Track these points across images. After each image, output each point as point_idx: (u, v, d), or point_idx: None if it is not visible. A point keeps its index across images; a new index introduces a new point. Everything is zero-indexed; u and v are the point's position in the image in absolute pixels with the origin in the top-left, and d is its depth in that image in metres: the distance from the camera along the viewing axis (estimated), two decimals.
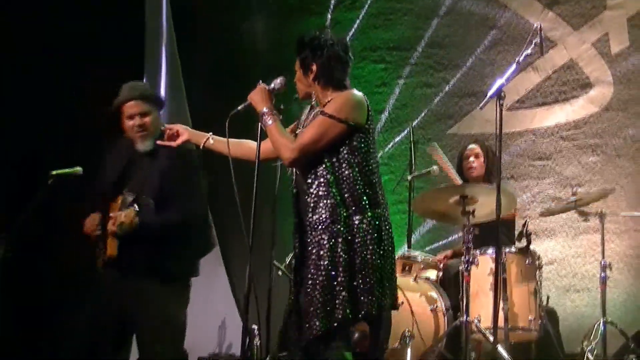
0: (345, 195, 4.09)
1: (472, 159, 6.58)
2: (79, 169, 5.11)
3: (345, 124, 4.10)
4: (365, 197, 4.11)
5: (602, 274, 6.30)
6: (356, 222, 4.07)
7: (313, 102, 4.32)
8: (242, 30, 8.43)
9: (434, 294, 6.08)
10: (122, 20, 7.85)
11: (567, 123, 7.61)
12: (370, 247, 4.06)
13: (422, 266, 6.27)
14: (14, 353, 6.67)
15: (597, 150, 7.49)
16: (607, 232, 6.56)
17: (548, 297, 6.11)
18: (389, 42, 8.21)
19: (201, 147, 4.56)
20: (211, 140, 4.53)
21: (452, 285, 6.16)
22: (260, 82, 4.29)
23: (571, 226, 7.38)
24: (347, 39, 7.88)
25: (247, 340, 4.48)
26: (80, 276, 7.12)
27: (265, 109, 4.19)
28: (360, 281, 4.03)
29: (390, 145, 8.09)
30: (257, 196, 4.15)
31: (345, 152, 4.13)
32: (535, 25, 5.11)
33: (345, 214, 4.07)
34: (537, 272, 6.00)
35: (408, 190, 6.98)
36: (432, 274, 6.30)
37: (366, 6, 8.30)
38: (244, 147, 4.52)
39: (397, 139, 8.05)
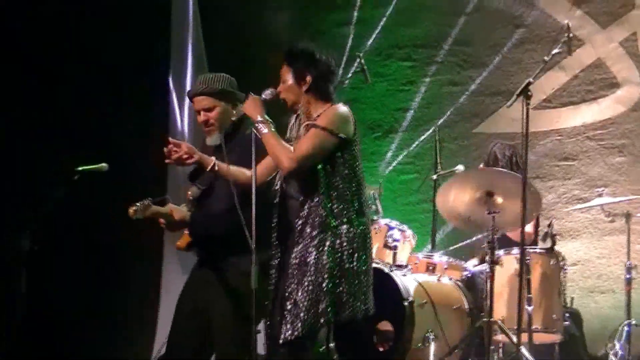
0: (335, 205, 4.26)
1: (499, 156, 6.53)
2: (104, 165, 5.13)
3: (337, 137, 4.26)
4: (352, 207, 4.28)
5: (627, 275, 6.27)
6: (344, 231, 4.25)
7: (299, 112, 4.44)
8: (266, 22, 8.43)
9: (457, 294, 6.08)
10: (150, 12, 7.89)
11: (593, 123, 7.54)
12: (356, 255, 4.24)
13: (446, 266, 6.25)
14: (37, 346, 6.71)
15: (623, 151, 7.42)
16: (633, 233, 6.51)
17: (572, 299, 6.08)
18: (415, 40, 8.17)
19: (208, 169, 4.57)
20: (216, 167, 4.54)
21: (476, 286, 6.14)
22: (251, 93, 4.43)
23: (596, 227, 7.33)
24: (373, 36, 8.15)
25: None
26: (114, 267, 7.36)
27: (259, 118, 4.32)
28: (345, 287, 4.19)
29: (415, 144, 8.07)
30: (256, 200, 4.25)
31: (336, 163, 4.29)
32: (562, 24, 5.10)
33: (334, 224, 4.24)
34: (562, 273, 5.97)
35: (433, 189, 6.94)
36: (456, 274, 6.27)
37: (393, 3, 8.24)
38: (241, 176, 4.54)
39: (423, 137, 8.01)
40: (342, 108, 4.35)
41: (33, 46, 7.42)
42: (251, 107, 4.38)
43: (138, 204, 4.70)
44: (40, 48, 7.43)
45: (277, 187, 4.47)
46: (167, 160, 4.54)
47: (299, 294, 4.18)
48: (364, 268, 4.27)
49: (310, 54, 4.41)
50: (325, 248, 4.21)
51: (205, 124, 4.84)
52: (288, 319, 4.18)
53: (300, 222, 4.28)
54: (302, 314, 4.16)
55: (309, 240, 4.23)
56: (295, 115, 4.48)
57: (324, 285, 4.17)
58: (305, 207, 4.27)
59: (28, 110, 7.36)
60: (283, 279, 4.36)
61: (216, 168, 4.52)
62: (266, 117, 4.36)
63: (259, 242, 4.25)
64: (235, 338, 4.59)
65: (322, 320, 4.17)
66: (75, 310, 7.15)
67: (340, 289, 4.19)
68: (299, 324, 4.15)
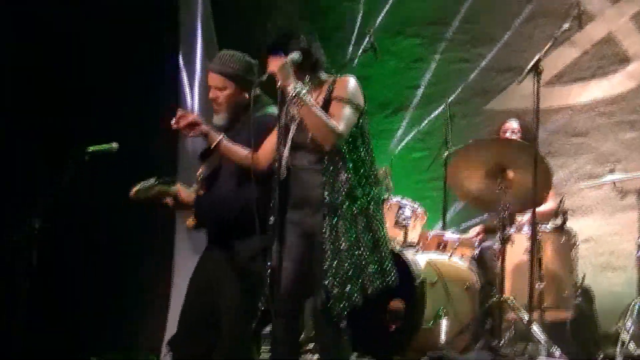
0: (360, 174, 4.29)
1: (509, 133, 6.57)
2: (115, 145, 5.07)
3: (357, 107, 4.29)
4: (372, 176, 4.35)
5: (639, 253, 6.24)
6: (369, 199, 4.29)
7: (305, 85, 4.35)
8: (277, 6, 8.39)
9: (468, 272, 6.10)
10: None
11: (604, 99, 7.48)
12: (381, 222, 4.35)
13: (456, 244, 6.24)
14: (48, 325, 6.74)
15: (635, 126, 7.36)
16: None
17: (584, 276, 6.05)
18: (424, 17, 8.14)
19: (212, 146, 4.55)
20: (223, 142, 4.52)
21: (487, 263, 6.15)
22: (282, 55, 4.27)
23: (608, 204, 7.28)
24: (383, 13, 8.11)
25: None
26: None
27: (295, 87, 4.20)
28: (382, 255, 4.27)
29: (425, 122, 8.06)
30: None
31: (355, 134, 4.32)
32: None
33: (360, 193, 4.26)
34: (573, 250, 6.00)
35: (444, 167, 6.94)
36: (467, 251, 6.28)
37: None
38: (246, 158, 4.48)
39: (433, 115, 8.00)
40: (354, 79, 4.37)
41: (44, 21, 7.41)
42: (282, 71, 4.22)
43: (140, 184, 4.70)
44: (52, 25, 7.42)
45: (279, 162, 4.37)
46: (174, 125, 4.51)
47: (343, 266, 4.17)
48: (387, 236, 4.36)
49: (299, 33, 4.39)
50: (358, 218, 4.24)
51: (214, 101, 4.83)
52: (340, 293, 4.15)
53: (328, 193, 4.24)
54: (351, 286, 4.16)
55: (341, 211, 4.22)
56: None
57: (364, 253, 4.21)
58: (330, 177, 4.25)
59: (37, 92, 7.35)
60: (300, 250, 4.35)
61: (221, 144, 4.50)
62: (300, 83, 4.25)
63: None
64: (241, 321, 4.59)
65: (370, 290, 4.21)
66: (86, 293, 7.18)
67: (379, 255, 4.26)
68: (353, 297, 4.16)
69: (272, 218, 4.26)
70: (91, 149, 5.04)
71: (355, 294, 4.16)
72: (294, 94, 4.19)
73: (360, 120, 4.34)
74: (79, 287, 7.17)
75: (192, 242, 7.11)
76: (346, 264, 4.17)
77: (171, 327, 6.96)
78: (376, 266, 4.22)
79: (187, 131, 4.53)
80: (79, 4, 7.47)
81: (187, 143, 7.66)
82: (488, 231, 6.44)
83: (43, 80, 7.37)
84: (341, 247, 4.19)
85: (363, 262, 4.19)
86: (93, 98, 7.50)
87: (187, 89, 8.21)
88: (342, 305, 4.15)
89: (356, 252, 4.19)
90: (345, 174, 4.25)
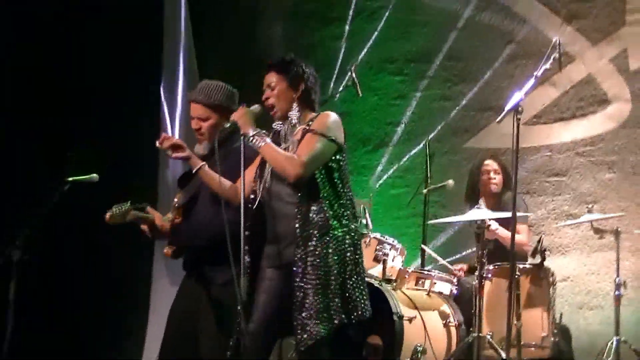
0: (335, 208, 4.32)
1: (492, 174, 6.65)
2: (95, 175, 5.10)
3: (334, 142, 4.33)
4: (348, 212, 4.36)
5: (617, 292, 6.28)
6: (345, 232, 4.30)
7: (279, 125, 4.49)
8: (258, 34, 8.44)
9: (447, 308, 6.09)
10: (142, 20, 7.90)
11: (583, 139, 7.54)
12: (357, 256, 4.32)
13: (435, 280, 6.25)
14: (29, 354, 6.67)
15: (613, 167, 7.42)
16: (622, 250, 6.51)
17: (561, 314, 6.08)
18: (406, 54, 8.17)
19: (194, 171, 4.57)
20: (205, 168, 4.53)
21: (465, 300, 6.14)
22: (243, 104, 4.44)
23: (586, 243, 7.33)
24: (365, 50, 8.16)
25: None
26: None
27: (252, 131, 4.33)
28: (351, 288, 4.26)
29: (405, 158, 8.06)
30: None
31: (332, 168, 4.35)
32: (554, 40, 5.12)
33: (336, 225, 4.29)
34: (551, 289, 6.02)
35: (423, 203, 6.96)
36: (446, 288, 6.28)
37: (384, 17, 8.25)
38: (226, 187, 4.51)
39: (413, 151, 8.01)
40: (335, 115, 4.43)
41: (27, 53, 7.41)
42: (242, 119, 4.36)
43: (115, 208, 4.67)
44: (35, 54, 7.43)
45: (253, 195, 4.45)
46: (158, 145, 4.52)
47: (309, 298, 4.19)
48: (361, 271, 4.35)
49: (301, 64, 4.50)
50: (330, 251, 4.24)
51: (196, 131, 4.83)
52: (302, 325, 4.18)
53: (299, 225, 4.27)
54: (315, 319, 4.17)
55: (313, 243, 4.25)
56: (287, 123, 4.48)
57: (333, 287, 4.21)
58: (303, 210, 4.28)
59: (22, 118, 7.34)
60: (274, 284, 4.39)
61: (203, 170, 4.50)
62: (258, 129, 4.37)
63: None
64: (219, 351, 4.52)
65: (336, 322, 4.20)
66: (66, 314, 7.13)
67: (350, 289, 4.25)
68: (315, 330, 4.16)
69: (245, 249, 4.24)
70: (71, 179, 5.05)
71: (320, 329, 4.16)
72: (251, 139, 4.30)
73: (338, 156, 4.37)
74: (60, 306, 7.14)
75: (170, 269, 7.08)
76: (312, 297, 4.18)
77: (150, 347, 6.97)
78: (344, 300, 4.22)
79: (170, 152, 4.54)
80: (65, 33, 7.50)
81: (167, 173, 7.66)
82: (472, 270, 6.45)
83: (25, 107, 7.37)
84: (309, 281, 4.21)
85: (330, 295, 4.19)
86: (73, 123, 7.49)
87: (167, 120, 8.20)
88: (306, 337, 4.17)
89: (323, 287, 4.19)
90: (319, 207, 4.28)
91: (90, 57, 7.66)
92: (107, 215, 4.67)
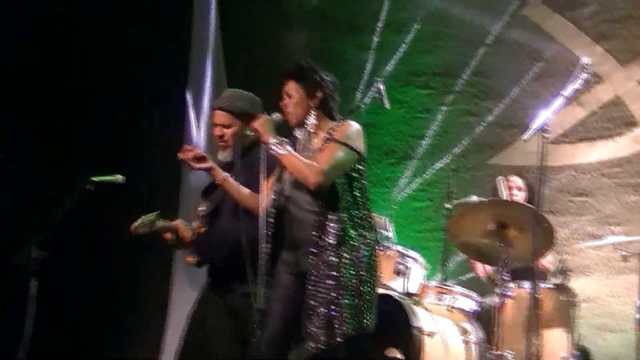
0: (354, 218, 4.32)
1: (515, 191, 6.62)
2: (120, 176, 5.11)
3: (355, 151, 4.35)
4: (365, 222, 4.38)
5: (638, 315, 6.21)
6: (359, 244, 4.30)
7: (299, 133, 4.51)
8: (285, 41, 8.45)
9: (467, 324, 6.07)
10: (170, 28, 7.93)
11: (609, 160, 7.50)
12: (372, 268, 4.33)
13: (456, 296, 6.23)
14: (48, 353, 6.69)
15: (638, 190, 7.37)
16: None
17: (581, 336, 6.03)
18: (434, 68, 8.17)
19: (216, 182, 4.60)
20: (229, 179, 4.57)
21: (486, 318, 6.11)
22: (263, 113, 4.49)
23: (607, 264, 7.27)
24: (392, 62, 8.15)
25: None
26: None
27: (273, 139, 4.34)
28: (362, 301, 4.25)
29: (429, 172, 8.05)
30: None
31: (352, 177, 4.37)
32: (582, 60, 5.09)
33: (353, 235, 4.28)
34: (572, 310, 5.98)
35: (445, 218, 6.92)
36: (467, 304, 6.25)
37: (413, 30, 8.26)
38: (249, 198, 4.53)
39: (437, 166, 7.99)
40: (356, 125, 4.44)
41: (55, 56, 7.44)
42: (263, 127, 4.39)
43: (141, 219, 4.68)
44: (62, 58, 7.46)
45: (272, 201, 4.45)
46: (180, 156, 4.55)
47: (320, 308, 4.20)
48: (374, 282, 4.36)
49: (319, 72, 4.52)
50: (345, 261, 4.24)
51: (219, 138, 4.84)
52: (311, 334, 4.19)
53: (316, 233, 4.28)
54: (323, 329, 4.17)
55: (328, 252, 4.25)
56: (304, 131, 4.50)
57: (346, 298, 4.20)
58: (321, 218, 4.29)
59: (46, 120, 7.37)
60: (291, 292, 4.39)
61: (227, 182, 4.53)
62: (279, 137, 4.39)
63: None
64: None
65: (346, 333, 4.18)
66: (83, 321, 7.14)
67: (360, 301, 4.24)
68: (321, 340, 4.17)
69: (264, 257, 4.24)
70: (95, 178, 5.06)
71: (330, 339, 4.16)
72: (272, 147, 4.32)
73: (359, 165, 4.39)
74: (78, 312, 7.16)
75: (189, 276, 7.07)
76: (324, 306, 4.19)
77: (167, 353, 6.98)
78: (356, 311, 4.22)
79: (192, 163, 4.56)
80: (90, 36, 7.54)
81: (190, 179, 7.67)
82: (490, 280, 6.41)
83: (50, 111, 7.40)
84: (321, 290, 4.22)
85: (342, 306, 4.19)
86: (99, 129, 7.52)
87: (193, 125, 8.23)
88: (314, 347, 4.18)
89: (335, 296, 4.19)
90: (338, 216, 4.28)
91: (117, 61, 7.70)
92: (133, 225, 4.69)
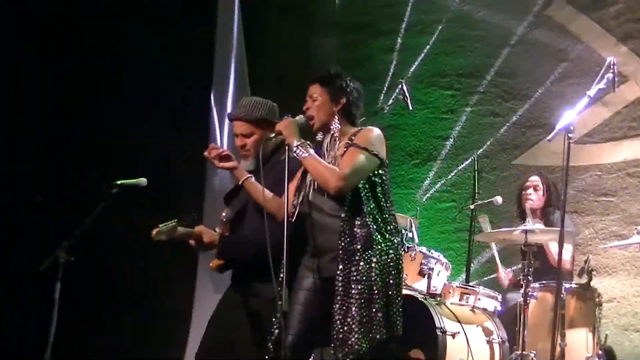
0: (379, 222, 4.32)
1: (530, 190, 6.62)
2: (144, 180, 5.15)
3: (377, 157, 4.35)
4: (390, 226, 4.36)
5: None
6: (386, 248, 4.29)
7: (321, 136, 4.50)
8: (311, 46, 8.49)
9: (490, 325, 6.06)
10: (194, 31, 7.98)
11: (634, 160, 7.45)
12: (395, 272, 4.31)
13: (480, 296, 6.23)
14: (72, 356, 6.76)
15: None
16: None
17: (607, 336, 6.00)
18: (458, 69, 8.19)
19: (239, 183, 4.61)
20: (252, 179, 4.58)
21: (510, 318, 6.10)
22: (287, 115, 4.48)
23: (633, 264, 7.22)
24: (416, 64, 8.18)
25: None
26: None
27: (297, 142, 4.35)
28: (391, 304, 4.25)
29: (453, 173, 8.06)
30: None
31: (375, 182, 4.36)
32: (608, 60, 5.07)
33: (379, 239, 4.28)
34: (597, 310, 5.92)
35: (470, 219, 6.93)
36: (490, 304, 6.25)
37: (437, 32, 8.30)
38: (272, 202, 4.53)
39: (461, 166, 8.01)
40: (378, 130, 4.45)
41: (80, 64, 7.51)
42: (288, 129, 4.40)
43: (162, 226, 4.66)
44: (89, 66, 7.52)
45: (294, 207, 4.45)
46: (205, 155, 4.57)
47: (351, 313, 4.18)
48: (401, 286, 4.37)
49: (345, 78, 4.53)
50: (374, 265, 4.24)
51: (241, 148, 4.85)
52: (344, 339, 4.17)
53: (343, 240, 4.28)
54: (358, 334, 4.16)
55: (356, 257, 4.25)
56: (329, 136, 4.50)
57: (375, 303, 4.20)
58: (348, 224, 4.28)
59: (73, 126, 7.43)
60: (311, 295, 4.40)
61: (249, 182, 4.54)
62: (303, 140, 4.39)
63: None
64: None
65: (377, 337, 4.18)
66: (107, 324, 7.17)
67: (390, 305, 4.25)
68: (357, 344, 4.16)
69: (284, 262, 4.24)
70: (119, 182, 5.09)
71: (362, 343, 4.15)
72: (295, 148, 4.33)
73: (380, 170, 4.40)
74: (98, 325, 7.20)
75: (213, 281, 7.10)
76: (355, 311, 4.18)
77: (190, 356, 6.97)
78: (385, 314, 4.21)
79: (217, 162, 4.58)
80: (110, 41, 7.59)
81: (215, 184, 7.69)
82: (516, 285, 6.41)
83: (76, 116, 7.47)
84: (351, 295, 4.20)
85: (373, 310, 4.19)
86: (122, 132, 7.57)
87: (217, 130, 8.26)
88: (347, 351, 4.16)
89: (366, 301, 4.19)
90: (363, 221, 4.29)
91: (141, 65, 7.74)
92: (154, 232, 4.68)
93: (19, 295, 6.86)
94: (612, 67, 5.08)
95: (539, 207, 6.57)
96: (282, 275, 4.22)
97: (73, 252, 4.88)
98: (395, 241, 4.37)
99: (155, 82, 7.67)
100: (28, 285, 6.52)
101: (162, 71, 7.70)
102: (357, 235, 4.27)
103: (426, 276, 6.27)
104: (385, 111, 7.73)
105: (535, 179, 6.68)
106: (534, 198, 6.59)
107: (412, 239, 6.46)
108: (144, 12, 7.76)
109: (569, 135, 4.92)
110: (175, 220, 4.69)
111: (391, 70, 8.33)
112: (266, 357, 4.27)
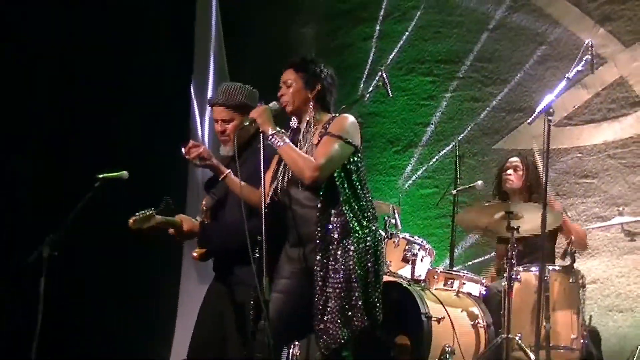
0: (356, 210, 4.32)
1: (510, 171, 6.53)
2: (125, 173, 5.13)
3: (351, 145, 4.34)
4: (367, 213, 4.36)
5: None
6: (363, 236, 4.30)
7: (295, 122, 4.51)
8: (291, 34, 8.46)
9: (475, 309, 6.03)
10: (173, 20, 7.95)
11: (614, 141, 7.47)
12: (374, 259, 4.31)
13: (464, 281, 6.21)
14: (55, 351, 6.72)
15: None
16: None
17: (591, 317, 6.01)
18: (437, 55, 8.18)
19: (220, 178, 4.61)
20: (231, 175, 4.57)
21: (494, 303, 6.07)
22: (262, 102, 4.50)
23: (616, 245, 7.25)
24: (396, 51, 8.16)
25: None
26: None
27: (272, 130, 4.34)
28: (371, 291, 4.26)
29: (435, 159, 8.05)
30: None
31: (350, 170, 4.35)
32: (586, 42, 5.07)
33: (357, 228, 4.28)
34: (581, 291, 5.91)
35: (452, 204, 6.93)
36: (475, 289, 6.23)
37: (415, 18, 8.28)
38: (252, 195, 4.51)
39: (442, 152, 8.01)
40: (352, 117, 4.45)
41: (57, 53, 7.45)
42: (261, 117, 4.39)
43: (138, 214, 4.62)
44: (63, 54, 7.47)
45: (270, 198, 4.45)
46: (184, 155, 4.57)
47: (331, 302, 4.20)
48: (381, 273, 4.38)
49: (320, 65, 4.54)
50: (351, 253, 4.24)
51: (221, 134, 4.85)
52: (325, 329, 4.19)
53: (319, 229, 4.28)
54: (338, 323, 4.18)
55: (334, 246, 4.26)
56: (304, 122, 4.50)
57: (355, 291, 4.21)
58: (324, 214, 4.29)
59: (51, 117, 7.38)
60: (292, 283, 4.41)
61: (227, 179, 4.55)
62: (278, 128, 4.39)
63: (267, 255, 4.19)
64: (245, 353, 4.54)
65: (359, 326, 4.19)
66: (92, 317, 7.15)
67: (370, 293, 4.25)
68: (338, 333, 4.17)
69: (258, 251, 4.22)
70: (101, 176, 5.07)
71: (343, 333, 4.17)
72: (270, 137, 4.32)
73: (355, 158, 4.39)
74: (85, 314, 7.16)
75: (198, 271, 7.07)
76: (334, 300, 4.19)
77: (177, 348, 7.00)
78: (366, 302, 4.22)
79: (197, 162, 4.58)
80: (89, 32, 7.54)
81: (197, 173, 7.66)
82: (500, 273, 6.41)
83: (54, 107, 7.41)
84: (330, 285, 4.21)
85: (353, 299, 4.20)
86: (103, 124, 7.52)
87: (197, 119, 8.24)
88: (329, 341, 4.18)
89: (345, 290, 4.19)
90: (339, 210, 4.28)
91: (119, 54, 7.67)
92: (131, 221, 4.62)
93: (4, 293, 6.81)
94: (590, 49, 5.08)
95: (518, 188, 6.51)
96: (263, 264, 4.17)
97: (57, 247, 4.85)
98: (373, 228, 4.37)
99: (134, 72, 7.62)
100: (13, 283, 6.48)
101: (141, 61, 7.67)
102: (334, 225, 4.27)
103: (410, 262, 6.22)
104: (366, 99, 7.76)
105: (514, 160, 6.61)
106: (514, 178, 6.53)
107: (395, 225, 6.40)
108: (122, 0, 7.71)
109: (549, 117, 4.92)
110: (152, 208, 4.66)
111: (371, 57, 8.32)
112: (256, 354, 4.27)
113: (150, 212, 4.65)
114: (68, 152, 7.32)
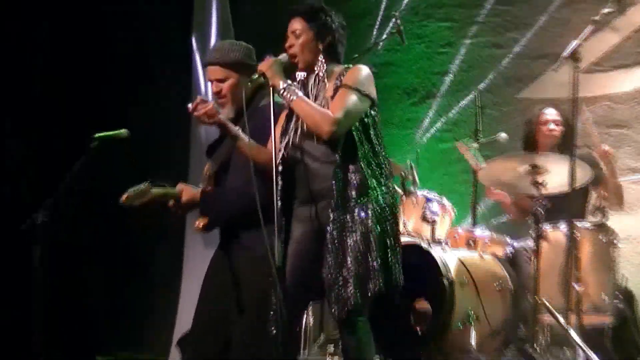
0: (373, 167, 4.15)
1: (552, 125, 6.30)
2: (124, 131, 4.95)
3: (368, 97, 4.15)
4: (384, 170, 4.19)
5: None
6: (382, 194, 4.13)
7: (303, 75, 4.31)
8: None
9: (500, 271, 5.84)
10: None
11: None
12: (392, 219, 4.18)
13: (487, 241, 6.03)
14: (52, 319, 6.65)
15: None
16: None
17: (625, 277, 5.81)
18: None
19: (230, 136, 4.35)
20: (241, 134, 4.31)
21: (521, 263, 5.88)
22: (270, 54, 4.26)
23: None
24: None
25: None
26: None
27: (283, 83, 4.15)
28: (389, 252, 4.10)
29: (454, 110, 7.84)
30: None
31: (366, 124, 4.18)
32: None
33: (374, 186, 4.12)
34: (613, 250, 5.70)
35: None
36: (499, 249, 6.02)
37: None
38: (261, 154, 4.30)
39: (462, 103, 7.79)
40: (367, 69, 4.24)
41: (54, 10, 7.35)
42: (271, 70, 4.17)
43: (131, 189, 4.37)
44: (65, 14, 7.42)
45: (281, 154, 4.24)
46: (191, 111, 4.30)
47: (346, 264, 4.00)
48: (398, 233, 4.22)
49: (329, 13, 4.31)
50: (370, 212, 4.06)
51: (217, 95, 4.64)
52: (338, 294, 3.99)
53: (336, 186, 4.08)
54: (353, 287, 3.97)
55: (351, 204, 4.06)
56: (313, 76, 4.29)
57: (373, 252, 4.02)
58: (342, 170, 4.10)
59: (47, 75, 7.34)
60: (304, 246, 4.23)
61: (240, 137, 4.27)
62: (290, 81, 4.18)
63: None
64: (250, 326, 4.37)
65: (375, 290, 3.99)
66: (94, 293, 7.17)
67: (388, 255, 4.07)
68: (352, 298, 3.97)
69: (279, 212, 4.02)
70: (98, 135, 4.91)
71: (357, 296, 3.97)
72: (282, 90, 4.13)
73: (372, 111, 4.21)
74: (88, 287, 7.14)
75: (203, 240, 6.90)
76: (349, 264, 4.00)
77: (180, 328, 6.90)
78: (383, 265, 4.05)
79: (203, 119, 4.32)
80: None
81: (200, 134, 7.55)
82: (517, 206, 6.30)
83: (49, 66, 7.39)
84: (347, 246, 4.03)
85: (370, 262, 4.01)
86: (104, 85, 7.47)
87: (200, 76, 8.09)
88: (342, 306, 3.99)
89: (362, 252, 4.02)
90: (357, 166, 4.11)
91: (119, 13, 7.62)
92: (123, 197, 4.38)
93: None
94: None
95: (558, 143, 6.26)
96: (274, 228, 3.95)
97: (54, 210, 4.73)
98: (390, 185, 4.20)
99: (135, 30, 7.62)
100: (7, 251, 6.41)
101: (140, 17, 7.62)
102: (352, 182, 4.08)
103: (430, 222, 6.05)
104: (379, 47, 7.57)
105: (553, 112, 6.37)
106: (557, 133, 6.30)
107: (413, 182, 6.21)
108: None
109: (576, 64, 4.78)
110: (147, 181, 4.41)
111: (383, 3, 8.12)
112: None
113: (145, 186, 4.41)
114: (64, 116, 7.25)
